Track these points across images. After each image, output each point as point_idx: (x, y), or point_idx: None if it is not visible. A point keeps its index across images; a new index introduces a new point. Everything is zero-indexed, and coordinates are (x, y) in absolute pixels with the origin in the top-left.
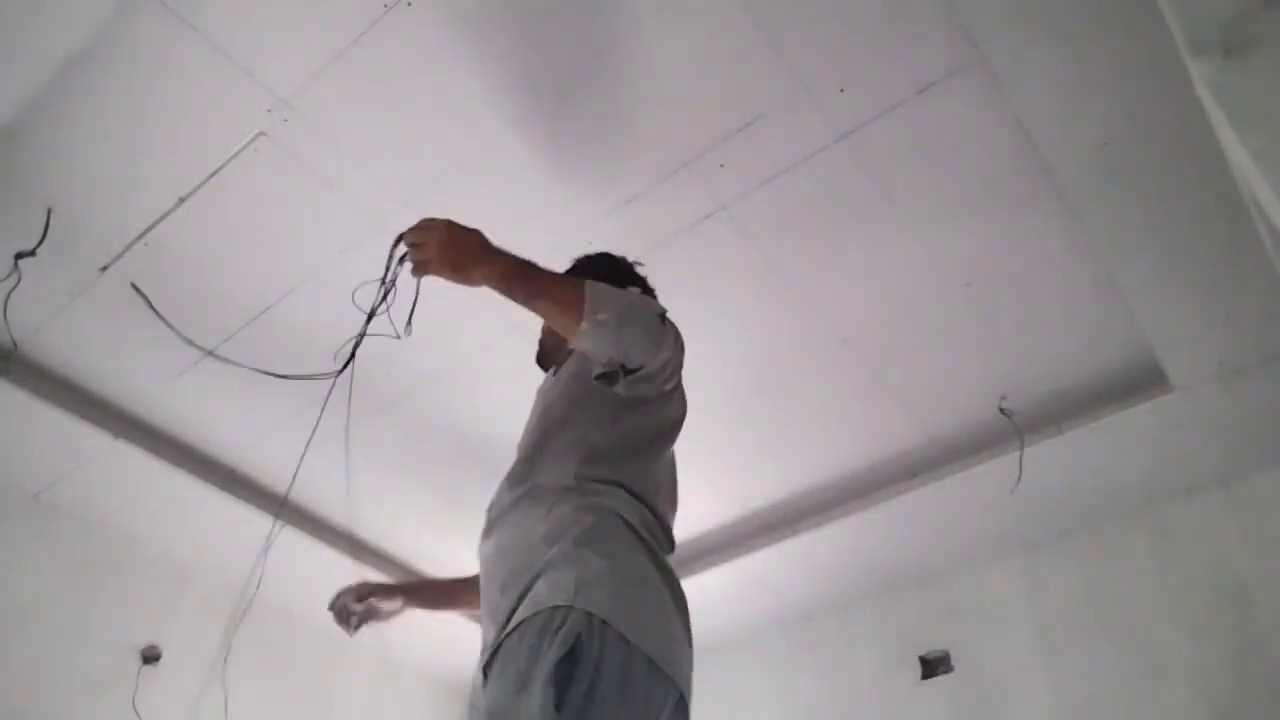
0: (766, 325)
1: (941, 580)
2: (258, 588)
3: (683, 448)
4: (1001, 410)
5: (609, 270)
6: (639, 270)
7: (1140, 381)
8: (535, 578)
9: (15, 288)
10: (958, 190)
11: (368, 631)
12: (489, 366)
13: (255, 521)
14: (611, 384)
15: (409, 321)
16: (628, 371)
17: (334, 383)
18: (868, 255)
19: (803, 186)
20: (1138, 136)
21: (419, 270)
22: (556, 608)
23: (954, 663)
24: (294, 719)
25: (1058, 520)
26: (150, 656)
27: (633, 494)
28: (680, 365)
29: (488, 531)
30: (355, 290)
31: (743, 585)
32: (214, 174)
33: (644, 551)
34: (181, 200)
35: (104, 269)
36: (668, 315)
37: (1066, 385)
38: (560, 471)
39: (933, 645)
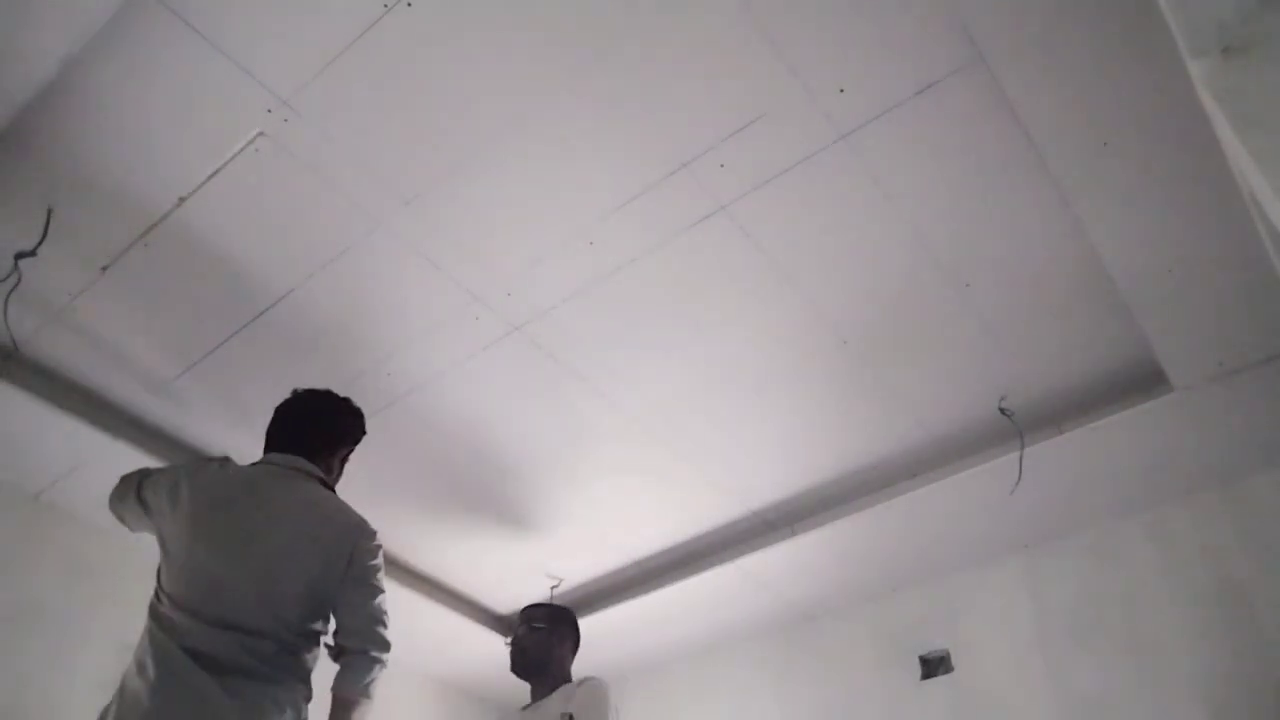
0: (766, 325)
1: (941, 580)
2: None
3: (683, 447)
4: (1001, 410)
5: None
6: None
7: (1140, 381)
8: None
9: (15, 288)
10: (957, 190)
11: None
12: (488, 367)
13: None
14: None
15: None
16: None
17: None
18: (868, 255)
19: (803, 186)
20: (1138, 136)
21: None
22: None
23: (954, 663)
24: None
25: (1058, 520)
26: None
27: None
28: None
29: None
30: None
31: (743, 585)
32: (214, 174)
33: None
34: (182, 200)
35: (104, 269)
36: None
37: (1066, 385)
38: None
39: (933, 645)
